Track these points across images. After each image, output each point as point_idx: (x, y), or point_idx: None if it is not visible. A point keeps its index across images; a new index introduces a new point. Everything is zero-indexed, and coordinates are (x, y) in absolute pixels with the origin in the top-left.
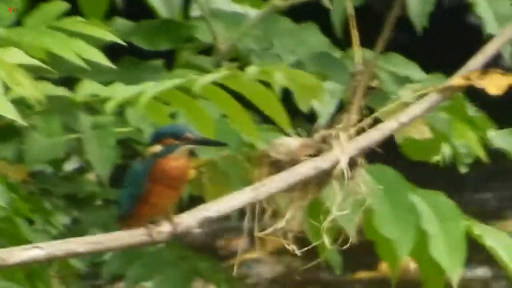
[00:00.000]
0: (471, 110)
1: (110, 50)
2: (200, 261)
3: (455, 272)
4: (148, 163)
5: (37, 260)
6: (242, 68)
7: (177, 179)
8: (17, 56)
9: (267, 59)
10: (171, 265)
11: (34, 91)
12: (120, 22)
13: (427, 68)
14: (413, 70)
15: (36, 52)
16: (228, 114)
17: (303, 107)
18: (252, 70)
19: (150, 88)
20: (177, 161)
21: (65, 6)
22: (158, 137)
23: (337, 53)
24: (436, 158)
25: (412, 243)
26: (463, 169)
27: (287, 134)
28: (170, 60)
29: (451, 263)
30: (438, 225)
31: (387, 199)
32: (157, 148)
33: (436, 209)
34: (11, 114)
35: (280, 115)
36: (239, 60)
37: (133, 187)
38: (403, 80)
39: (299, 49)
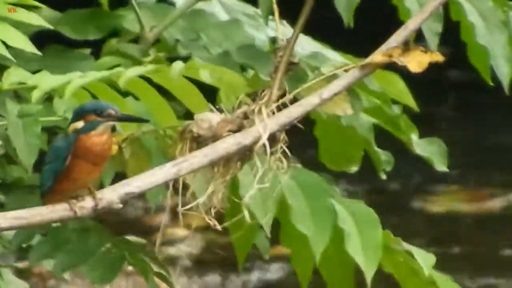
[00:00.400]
0: (396, 111)
1: (37, 39)
2: (127, 246)
3: (371, 269)
4: (70, 139)
5: None
6: (169, 57)
7: (99, 155)
8: None
9: (194, 49)
10: (97, 253)
11: None
12: (47, 10)
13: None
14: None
15: None
16: (151, 108)
17: (227, 104)
18: (178, 65)
19: (77, 78)
20: (99, 137)
21: None
22: (81, 114)
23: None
24: (355, 168)
25: (327, 240)
26: (383, 176)
27: (210, 110)
28: (97, 49)
29: (367, 261)
30: (355, 227)
31: (306, 199)
32: (80, 124)
33: (354, 213)
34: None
35: (202, 108)
36: (166, 49)
37: (56, 163)
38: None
39: (226, 42)
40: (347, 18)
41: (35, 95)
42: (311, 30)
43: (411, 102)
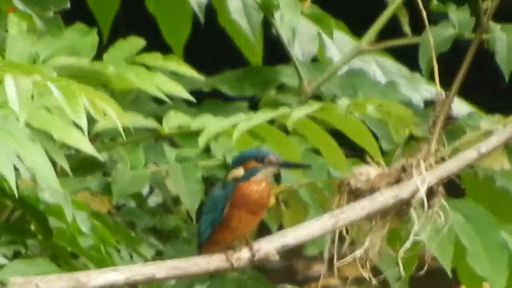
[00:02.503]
0: None
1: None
2: None
3: None
4: (230, 187)
5: (116, 284)
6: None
7: (258, 203)
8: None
9: None
10: None
11: (121, 120)
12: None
13: None
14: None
15: (118, 86)
16: (319, 148)
17: (397, 137)
18: (344, 102)
19: (244, 121)
20: (259, 184)
21: (142, 42)
22: (241, 161)
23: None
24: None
25: (505, 280)
26: None
27: (367, 163)
28: (251, 102)
29: None
30: None
31: (478, 238)
32: (240, 171)
33: None
34: (87, 147)
35: (372, 145)
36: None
37: (214, 212)
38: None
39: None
40: (508, 70)
41: (202, 139)
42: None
43: None
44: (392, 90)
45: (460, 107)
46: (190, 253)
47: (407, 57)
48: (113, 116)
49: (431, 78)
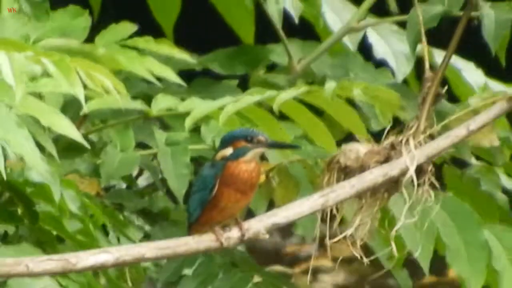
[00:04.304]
0: None
1: (183, 75)
2: (274, 280)
3: None
4: (219, 166)
5: (106, 265)
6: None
7: (247, 182)
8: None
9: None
10: (224, 275)
11: (118, 90)
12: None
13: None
14: (476, 75)
15: (108, 68)
16: (307, 129)
17: (384, 120)
18: (331, 85)
19: (231, 103)
20: (249, 164)
21: (134, 27)
22: (230, 140)
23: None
24: None
25: (483, 281)
26: None
27: (357, 140)
28: (241, 81)
29: None
30: (508, 263)
31: (460, 235)
32: (229, 151)
33: (506, 244)
34: (73, 134)
35: (359, 128)
36: (314, 82)
37: (203, 192)
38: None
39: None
40: (495, 46)
41: (188, 122)
42: None
43: None
44: (384, 76)
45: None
46: (178, 235)
47: None
48: (110, 87)
49: None
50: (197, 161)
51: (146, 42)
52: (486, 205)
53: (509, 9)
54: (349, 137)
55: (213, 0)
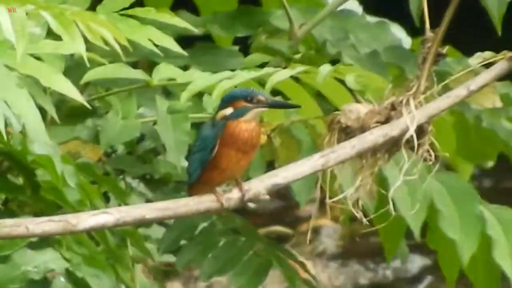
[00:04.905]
0: None
1: (185, 40)
2: (274, 248)
3: None
4: (219, 126)
5: (106, 226)
6: (317, 53)
7: (248, 141)
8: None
9: (343, 48)
10: (244, 258)
11: (119, 40)
12: (186, 15)
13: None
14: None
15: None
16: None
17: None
18: (325, 69)
19: (226, 80)
20: (249, 123)
21: None
22: (230, 100)
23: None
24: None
25: (475, 246)
26: None
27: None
28: (243, 44)
29: None
30: (503, 234)
31: (454, 204)
32: (229, 110)
33: (503, 221)
34: (74, 95)
35: None
36: (315, 47)
37: (203, 152)
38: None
39: (374, 43)
40: (498, 15)
41: (185, 95)
42: None
43: None
44: (383, 31)
45: None
46: None
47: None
48: (110, 39)
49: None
50: (198, 126)
51: (146, 11)
52: (488, 140)
53: None
54: None
55: None
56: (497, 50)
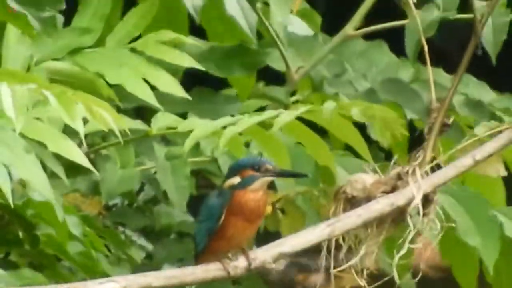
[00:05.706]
0: None
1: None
2: None
3: None
4: (226, 195)
5: None
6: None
7: (255, 211)
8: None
9: (340, 87)
10: None
11: (117, 123)
12: (193, 48)
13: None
14: (484, 91)
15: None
16: (307, 147)
17: (382, 141)
18: (330, 105)
19: (231, 126)
20: (256, 193)
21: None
22: (237, 169)
23: (406, 73)
24: None
25: (497, 251)
26: None
27: (363, 171)
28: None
29: None
30: None
31: (468, 214)
32: (236, 180)
33: None
34: (82, 160)
35: (360, 144)
36: (312, 87)
37: (210, 221)
38: (476, 104)
39: (370, 71)
40: (494, 52)
41: (188, 143)
42: None
43: None
44: (379, 53)
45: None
46: (181, 253)
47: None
48: (109, 121)
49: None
50: (198, 173)
51: (155, 46)
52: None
53: (503, 11)
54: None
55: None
56: None
